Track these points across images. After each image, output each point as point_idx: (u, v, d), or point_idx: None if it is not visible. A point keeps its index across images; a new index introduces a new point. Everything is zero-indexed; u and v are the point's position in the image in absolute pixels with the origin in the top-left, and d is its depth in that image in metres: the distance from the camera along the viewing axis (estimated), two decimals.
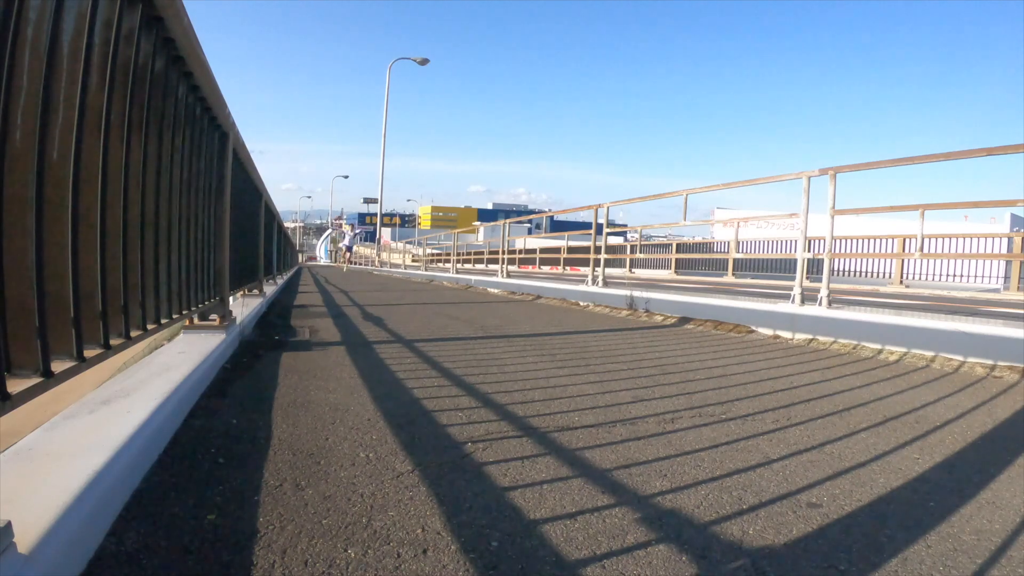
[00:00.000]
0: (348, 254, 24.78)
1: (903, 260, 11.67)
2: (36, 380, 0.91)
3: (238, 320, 2.88)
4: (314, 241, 63.84)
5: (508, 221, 9.62)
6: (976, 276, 11.89)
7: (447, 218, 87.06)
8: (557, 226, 55.15)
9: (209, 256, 2.42)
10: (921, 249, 3.82)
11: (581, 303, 6.23)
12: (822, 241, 4.12)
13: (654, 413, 1.80)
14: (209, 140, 2.34)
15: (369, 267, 22.94)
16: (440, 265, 18.58)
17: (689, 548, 0.95)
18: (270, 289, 5.93)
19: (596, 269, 6.59)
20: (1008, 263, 10.47)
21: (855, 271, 14.29)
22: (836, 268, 13.48)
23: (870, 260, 14.13)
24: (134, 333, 1.38)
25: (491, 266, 15.76)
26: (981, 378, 2.48)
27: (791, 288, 4.08)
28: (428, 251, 23.34)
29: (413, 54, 21.10)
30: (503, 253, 9.61)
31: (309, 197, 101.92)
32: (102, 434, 1.12)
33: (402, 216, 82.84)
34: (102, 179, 1.19)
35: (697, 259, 16.77)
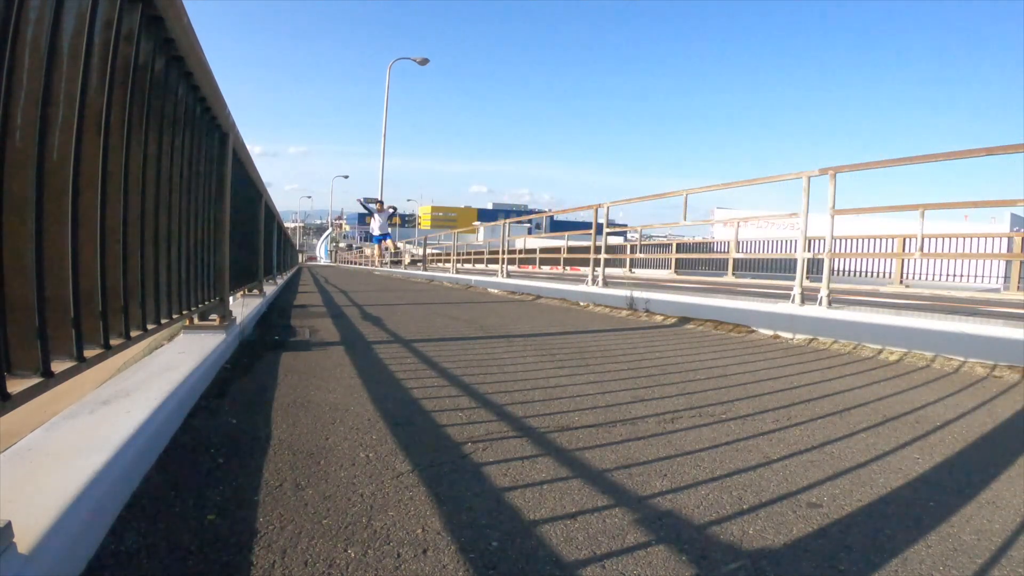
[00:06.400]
0: (384, 246, 13.09)
1: (903, 260, 11.66)
2: (36, 380, 0.91)
3: (238, 320, 2.88)
4: (314, 241, 63.83)
5: (508, 221, 9.62)
6: (976, 276, 11.89)
7: (447, 218, 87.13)
8: (557, 226, 55.20)
9: (209, 256, 2.41)
10: (921, 249, 3.82)
11: (581, 303, 6.23)
12: (822, 241, 4.12)
13: (654, 413, 1.80)
14: (209, 140, 2.34)
15: (369, 267, 22.94)
16: (440, 265, 18.57)
17: (689, 548, 0.95)
18: (270, 289, 5.92)
19: (596, 269, 6.58)
20: (1008, 263, 10.46)
21: (855, 271, 14.28)
22: (836, 268, 13.48)
23: (870, 260, 14.12)
24: (134, 333, 1.38)
25: (491, 266, 15.74)
26: (981, 378, 2.48)
27: (791, 288, 4.08)
28: (428, 251, 23.32)
29: (413, 54, 21.09)
30: (503, 253, 9.60)
31: (309, 197, 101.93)
32: (102, 434, 1.12)
33: (402, 216, 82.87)
34: (102, 179, 1.19)
35: (697, 259, 16.76)
